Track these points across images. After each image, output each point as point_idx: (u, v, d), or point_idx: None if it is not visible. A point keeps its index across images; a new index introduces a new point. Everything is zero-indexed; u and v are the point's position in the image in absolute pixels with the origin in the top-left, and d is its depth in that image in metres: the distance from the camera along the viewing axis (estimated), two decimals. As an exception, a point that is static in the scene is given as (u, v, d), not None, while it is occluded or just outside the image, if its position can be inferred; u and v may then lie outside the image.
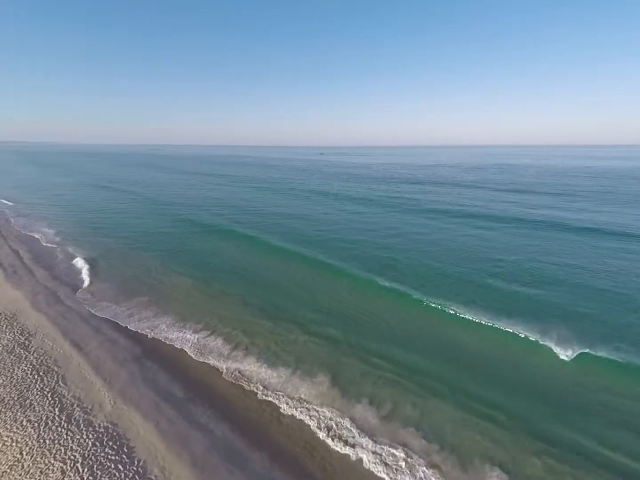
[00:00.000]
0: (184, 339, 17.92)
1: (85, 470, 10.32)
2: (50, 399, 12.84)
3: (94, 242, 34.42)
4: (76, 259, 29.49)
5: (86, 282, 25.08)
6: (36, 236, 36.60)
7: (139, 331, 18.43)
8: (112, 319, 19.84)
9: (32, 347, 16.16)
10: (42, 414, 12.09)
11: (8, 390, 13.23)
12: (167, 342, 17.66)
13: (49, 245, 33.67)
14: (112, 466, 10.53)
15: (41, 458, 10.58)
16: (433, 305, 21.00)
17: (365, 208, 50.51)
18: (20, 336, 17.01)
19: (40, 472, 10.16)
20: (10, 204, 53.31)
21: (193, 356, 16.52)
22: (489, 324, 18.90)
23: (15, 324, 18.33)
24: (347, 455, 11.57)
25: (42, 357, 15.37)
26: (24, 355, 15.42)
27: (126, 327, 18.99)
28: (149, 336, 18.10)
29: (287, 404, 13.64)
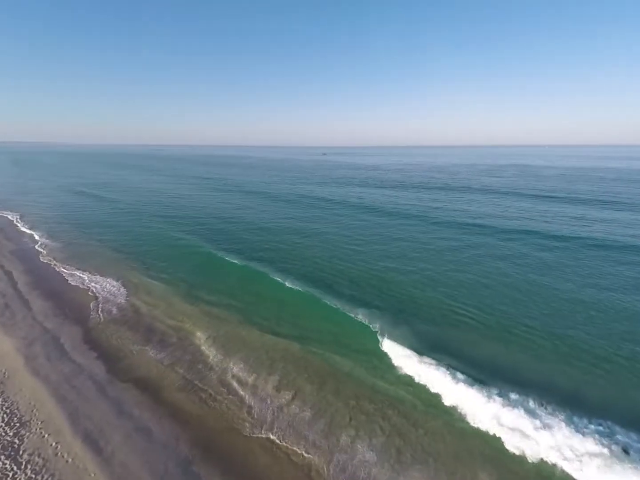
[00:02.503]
0: (254, 419, 12.24)
1: None
2: None
3: (102, 261, 28.53)
4: (82, 283, 23.82)
5: (97, 318, 19.44)
6: (35, 252, 30.94)
7: (180, 413, 12.71)
8: (140, 385, 14.19)
9: (24, 452, 10.44)
10: None
11: None
12: (228, 426, 11.97)
13: (49, 263, 27.99)
14: None
15: None
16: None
17: (400, 220, 42.45)
18: (7, 429, 11.23)
19: None
20: (6, 212, 47.41)
21: (274, 457, 10.87)
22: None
23: (1, 400, 12.64)
24: None
25: (39, 477, 9.70)
26: (11, 474, 9.72)
27: (161, 401, 13.31)
28: (198, 414, 12.41)
29: None
